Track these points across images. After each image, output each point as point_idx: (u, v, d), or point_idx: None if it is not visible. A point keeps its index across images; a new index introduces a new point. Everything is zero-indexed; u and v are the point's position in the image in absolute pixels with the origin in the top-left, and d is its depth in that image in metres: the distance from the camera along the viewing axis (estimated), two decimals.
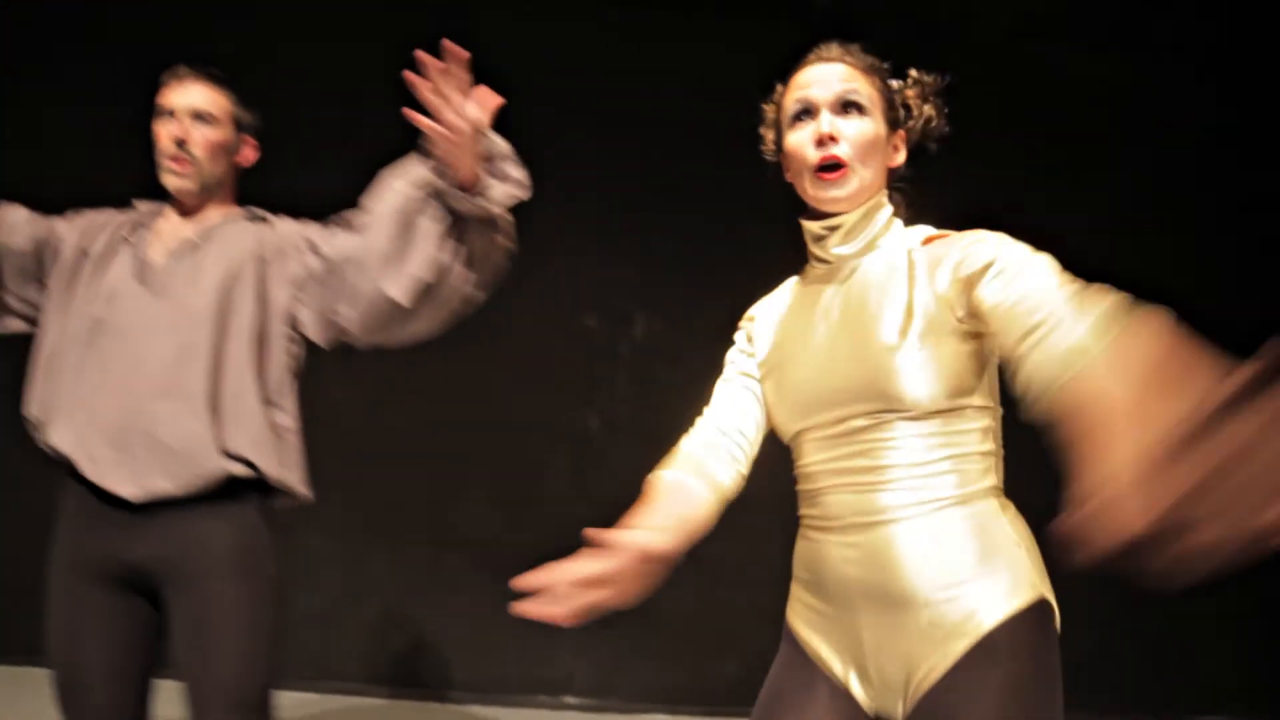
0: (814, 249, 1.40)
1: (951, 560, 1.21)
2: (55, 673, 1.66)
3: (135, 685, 1.67)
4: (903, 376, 1.24)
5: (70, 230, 1.85)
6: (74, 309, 1.75)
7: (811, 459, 1.35)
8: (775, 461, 1.47)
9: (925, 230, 1.36)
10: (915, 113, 1.40)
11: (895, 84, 1.40)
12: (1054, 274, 1.18)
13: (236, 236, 1.81)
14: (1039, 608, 1.21)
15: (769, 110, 1.46)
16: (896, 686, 1.25)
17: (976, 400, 1.27)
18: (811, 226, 1.38)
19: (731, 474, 1.39)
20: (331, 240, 1.78)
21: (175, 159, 1.79)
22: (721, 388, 1.47)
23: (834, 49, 1.37)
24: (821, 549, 1.32)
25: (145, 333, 1.69)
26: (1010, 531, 1.25)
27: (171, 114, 1.80)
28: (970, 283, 1.22)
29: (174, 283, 1.75)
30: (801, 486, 1.38)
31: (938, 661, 1.20)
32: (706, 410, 1.46)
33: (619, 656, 3.88)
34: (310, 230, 1.84)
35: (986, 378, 1.29)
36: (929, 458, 1.24)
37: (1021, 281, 1.18)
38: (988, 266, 1.21)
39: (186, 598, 1.63)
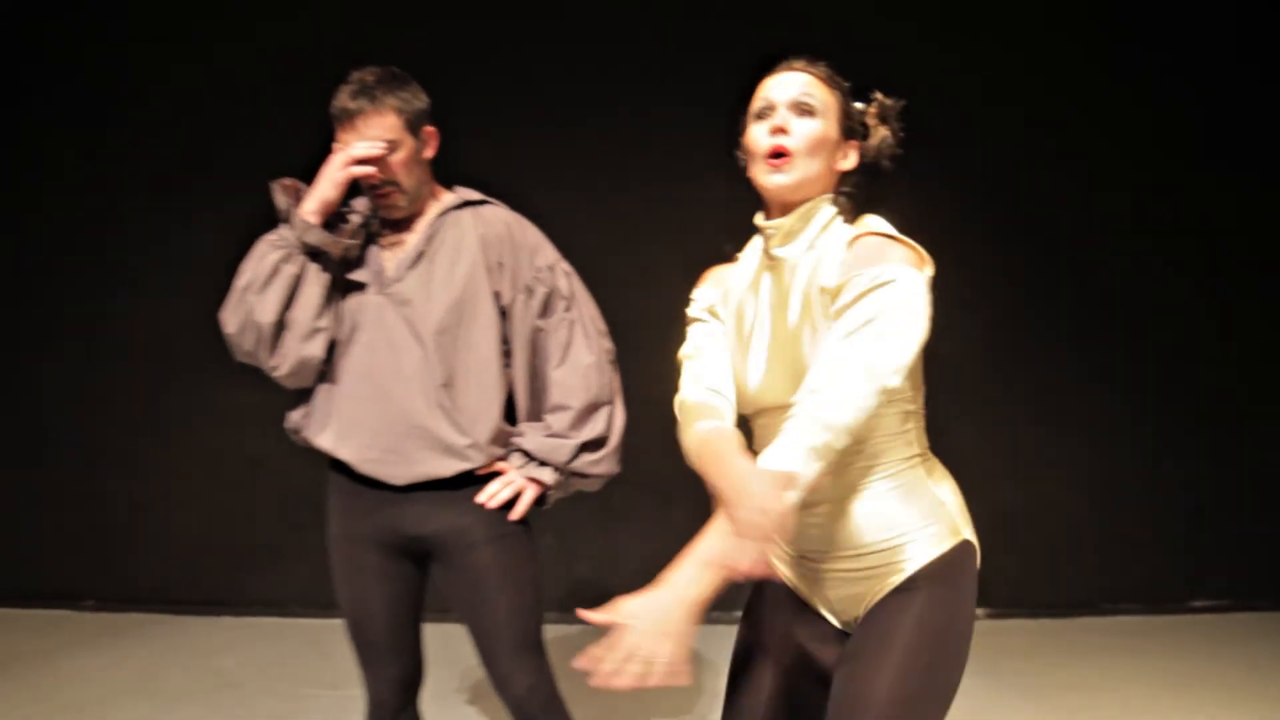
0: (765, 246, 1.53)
1: (887, 522, 1.44)
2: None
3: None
4: None
5: None
6: None
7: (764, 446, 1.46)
8: None
9: (858, 228, 1.45)
10: (872, 130, 1.55)
11: (859, 105, 1.54)
12: (848, 364, 1.28)
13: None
14: (959, 548, 1.46)
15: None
16: (855, 609, 1.48)
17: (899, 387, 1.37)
18: (760, 225, 1.52)
19: None
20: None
21: None
22: (704, 344, 1.57)
23: (799, 61, 1.51)
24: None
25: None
26: (934, 490, 1.48)
27: None
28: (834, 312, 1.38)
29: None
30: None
31: (877, 594, 1.45)
32: (692, 365, 1.56)
33: None
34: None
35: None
36: (858, 444, 1.41)
37: (830, 349, 1.32)
38: (839, 311, 1.35)
39: (459, 565, 1.95)
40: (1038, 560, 4.48)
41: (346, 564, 1.97)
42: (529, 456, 1.98)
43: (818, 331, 1.41)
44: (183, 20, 4.38)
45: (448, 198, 2.02)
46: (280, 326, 1.88)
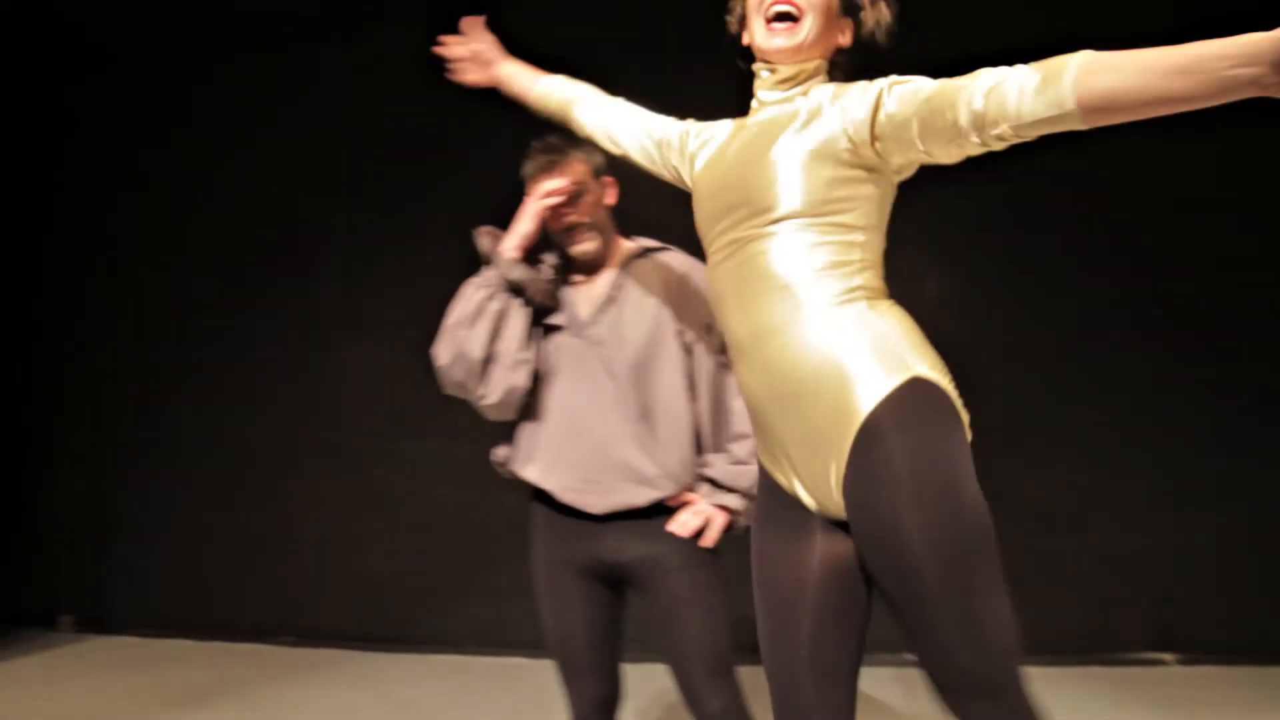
0: (755, 95, 1.59)
1: (829, 357, 1.38)
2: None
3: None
4: (779, 186, 1.43)
5: None
6: None
7: (716, 287, 1.57)
8: None
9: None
10: (866, 7, 1.54)
11: None
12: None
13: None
14: (913, 384, 1.36)
15: None
16: (826, 487, 1.42)
17: (850, 219, 1.43)
18: (756, 70, 1.57)
19: (599, 133, 1.89)
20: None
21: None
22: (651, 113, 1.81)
23: None
24: (740, 377, 1.55)
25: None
26: (880, 324, 1.41)
27: None
28: (877, 103, 1.39)
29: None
30: (719, 321, 1.61)
31: (839, 457, 1.38)
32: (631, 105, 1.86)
33: None
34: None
35: (867, 206, 1.45)
36: (801, 268, 1.41)
37: (925, 84, 1.36)
38: (890, 85, 1.40)
39: (653, 590, 2.07)
40: (1231, 602, 4.22)
41: (550, 586, 2.12)
42: (716, 485, 2.08)
43: (799, 154, 1.44)
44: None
45: (629, 246, 2.20)
46: (487, 360, 2.06)
